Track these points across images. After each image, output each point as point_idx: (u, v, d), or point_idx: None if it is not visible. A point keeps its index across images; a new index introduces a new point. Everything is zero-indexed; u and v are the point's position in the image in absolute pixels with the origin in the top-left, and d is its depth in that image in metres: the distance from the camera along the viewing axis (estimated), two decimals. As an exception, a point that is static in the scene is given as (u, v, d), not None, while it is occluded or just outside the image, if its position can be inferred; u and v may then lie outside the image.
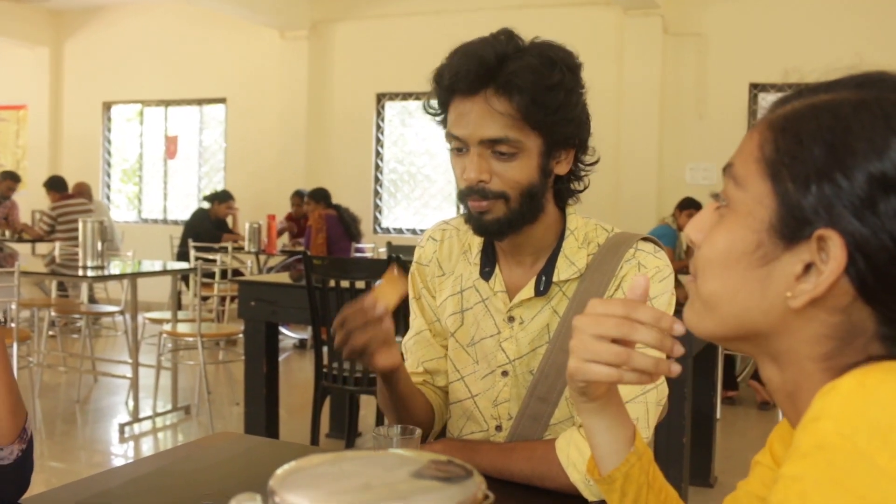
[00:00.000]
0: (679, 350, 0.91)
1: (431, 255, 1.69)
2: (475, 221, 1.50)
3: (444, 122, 1.53)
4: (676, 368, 0.91)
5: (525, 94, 1.41)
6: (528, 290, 1.55)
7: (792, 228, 0.77)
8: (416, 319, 1.69)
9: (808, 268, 0.76)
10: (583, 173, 1.58)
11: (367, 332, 1.39)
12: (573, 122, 1.49)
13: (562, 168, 1.52)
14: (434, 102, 1.53)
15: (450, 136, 1.49)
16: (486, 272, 1.60)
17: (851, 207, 0.73)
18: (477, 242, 1.63)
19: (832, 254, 0.74)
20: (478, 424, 1.61)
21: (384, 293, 1.42)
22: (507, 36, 1.47)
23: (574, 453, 1.43)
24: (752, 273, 0.80)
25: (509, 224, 1.48)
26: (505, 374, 1.57)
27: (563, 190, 1.56)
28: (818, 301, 0.76)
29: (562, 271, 1.54)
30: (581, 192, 1.60)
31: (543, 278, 1.55)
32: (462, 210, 1.55)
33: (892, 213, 0.72)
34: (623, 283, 1.51)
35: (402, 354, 1.59)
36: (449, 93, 1.47)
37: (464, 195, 1.49)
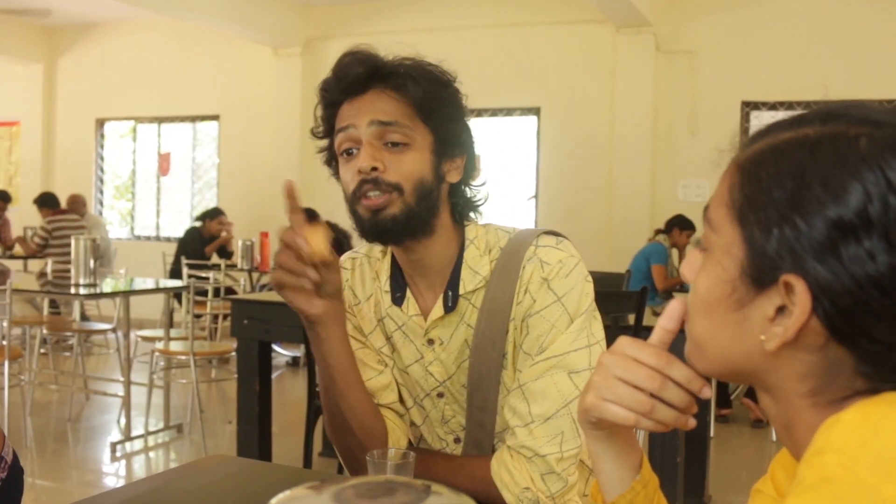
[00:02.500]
0: (694, 409, 0.92)
1: (343, 284, 1.60)
2: (370, 223, 1.44)
3: (329, 151, 1.54)
4: (693, 423, 0.92)
5: (416, 84, 1.44)
6: (438, 309, 1.51)
7: (760, 273, 0.77)
8: None
9: (781, 310, 0.77)
10: (475, 192, 1.56)
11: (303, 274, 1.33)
12: (461, 123, 1.51)
13: (453, 176, 1.51)
14: (319, 123, 1.54)
15: (338, 136, 1.47)
16: (397, 297, 1.56)
17: (813, 252, 0.73)
18: (385, 269, 1.58)
19: (797, 298, 0.74)
20: (440, 441, 1.61)
21: (314, 238, 1.32)
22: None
23: (505, 475, 1.44)
24: (730, 317, 0.81)
25: (406, 223, 1.43)
26: (440, 395, 1.57)
27: (460, 203, 1.54)
28: (793, 342, 0.76)
29: (467, 283, 1.51)
30: (481, 204, 1.57)
31: (450, 293, 1.51)
32: (353, 222, 1.50)
33: (853, 257, 0.72)
34: (529, 286, 1.47)
35: (342, 317, 1.47)
36: (340, 96, 1.48)
37: (355, 195, 1.44)
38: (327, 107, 1.51)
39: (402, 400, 1.62)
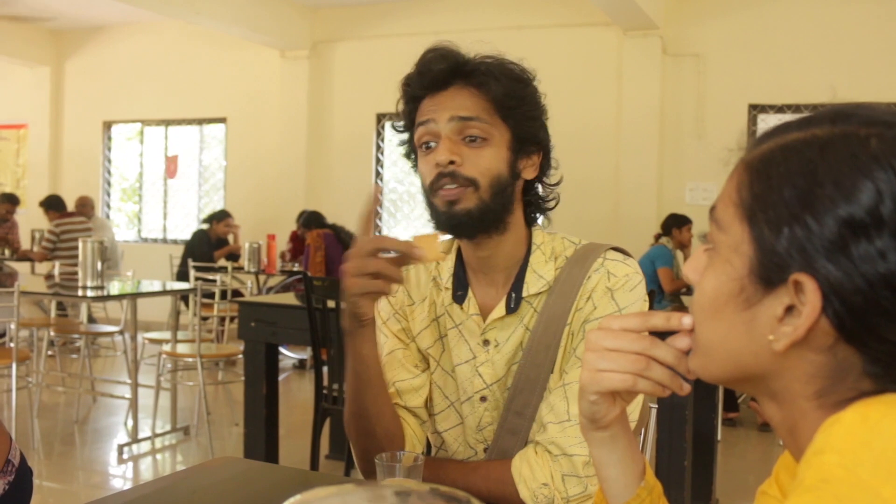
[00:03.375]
0: (690, 381, 0.92)
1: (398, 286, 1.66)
2: (445, 214, 1.47)
3: (409, 142, 1.56)
4: (688, 387, 0.92)
5: (495, 82, 1.46)
6: (500, 309, 1.53)
7: (770, 272, 0.77)
8: (386, 342, 1.63)
9: (790, 309, 0.76)
10: (549, 192, 1.60)
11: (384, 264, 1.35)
12: (538, 121, 1.53)
13: (528, 173, 1.53)
14: (403, 113, 1.56)
15: (418, 130, 1.50)
16: (458, 296, 1.58)
17: (823, 251, 0.73)
18: (447, 267, 1.61)
19: (808, 297, 0.74)
20: (469, 449, 1.60)
21: (427, 244, 1.36)
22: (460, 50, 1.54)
23: (525, 470, 1.44)
24: (738, 317, 0.80)
25: (480, 218, 1.46)
26: (483, 399, 1.56)
27: (532, 203, 1.57)
28: (802, 342, 0.76)
29: (531, 286, 1.53)
30: (552, 208, 1.60)
31: (513, 295, 1.53)
32: (430, 214, 1.53)
33: (864, 255, 0.72)
34: (593, 294, 1.49)
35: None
36: (422, 91, 1.51)
37: (432, 187, 1.47)
38: (409, 101, 1.54)
39: (426, 406, 1.63)
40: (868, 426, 0.68)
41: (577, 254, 1.55)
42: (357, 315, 1.42)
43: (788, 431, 0.83)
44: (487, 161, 1.46)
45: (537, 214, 1.59)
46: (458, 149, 1.46)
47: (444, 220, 1.48)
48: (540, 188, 1.58)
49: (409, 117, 1.54)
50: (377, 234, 1.50)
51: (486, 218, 1.47)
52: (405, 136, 1.58)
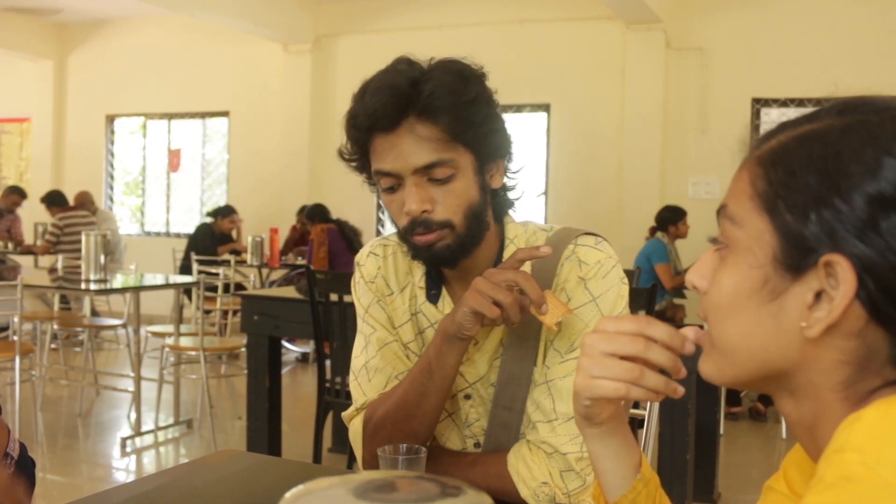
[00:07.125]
0: (684, 372, 0.92)
1: (376, 272, 1.61)
2: (426, 254, 1.45)
3: (361, 167, 1.50)
4: (681, 390, 0.92)
5: (448, 112, 1.38)
6: None
7: (797, 258, 0.76)
8: (374, 333, 1.59)
9: (818, 295, 0.76)
10: (513, 182, 1.55)
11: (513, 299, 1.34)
12: (499, 132, 1.47)
13: (496, 181, 1.49)
14: (351, 146, 1.50)
15: (378, 175, 1.44)
16: (433, 295, 1.56)
17: (854, 230, 0.73)
18: (420, 265, 1.57)
19: (841, 278, 0.73)
20: (460, 443, 1.59)
21: (554, 306, 1.34)
22: (407, 62, 1.44)
23: (523, 469, 1.44)
24: (763, 310, 0.79)
25: (461, 249, 1.44)
26: (468, 397, 1.56)
27: (500, 202, 1.53)
28: (833, 328, 0.75)
29: None
30: (518, 199, 1.56)
31: None
32: (407, 248, 1.49)
33: (895, 231, 0.72)
34: (566, 285, 1.47)
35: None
36: (369, 132, 1.43)
37: (407, 232, 1.43)
38: (358, 139, 1.47)
39: None
40: (889, 424, 0.67)
41: (548, 242, 1.51)
42: (462, 326, 1.38)
43: (807, 428, 0.82)
44: (459, 196, 1.41)
45: (508, 209, 1.56)
46: (427, 194, 1.40)
47: (426, 258, 1.46)
48: (506, 182, 1.54)
49: (361, 153, 1.48)
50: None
51: (466, 247, 1.44)
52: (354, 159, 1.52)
